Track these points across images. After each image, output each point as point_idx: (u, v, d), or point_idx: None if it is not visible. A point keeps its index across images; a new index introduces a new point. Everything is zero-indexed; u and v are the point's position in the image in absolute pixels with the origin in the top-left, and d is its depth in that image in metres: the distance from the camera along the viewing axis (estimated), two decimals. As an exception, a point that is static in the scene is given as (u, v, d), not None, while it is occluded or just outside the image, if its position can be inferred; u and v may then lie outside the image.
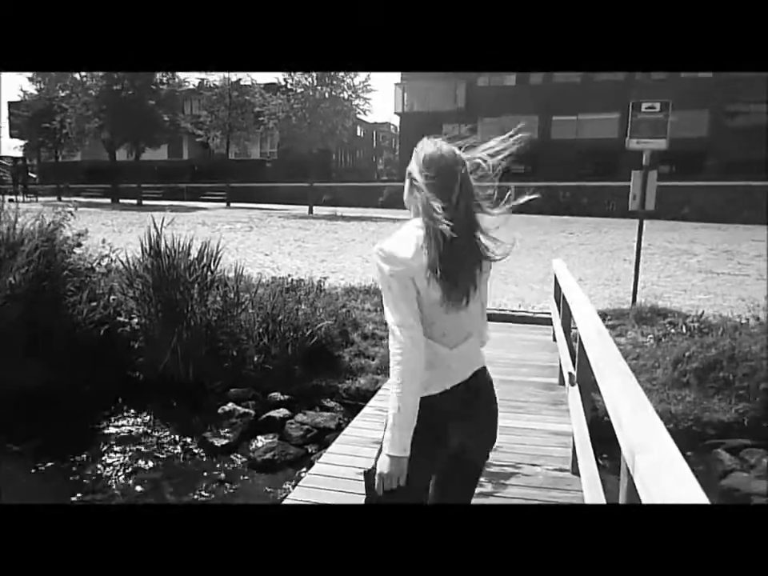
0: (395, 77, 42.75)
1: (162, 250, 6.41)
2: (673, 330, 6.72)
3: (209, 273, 6.62)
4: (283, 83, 27.45)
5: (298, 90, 27.03)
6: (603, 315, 7.15)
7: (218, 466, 4.98)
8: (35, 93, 34.03)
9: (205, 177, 39.44)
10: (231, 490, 4.61)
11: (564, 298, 4.91)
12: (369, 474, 1.67)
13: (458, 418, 1.73)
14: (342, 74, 26.45)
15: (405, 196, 1.79)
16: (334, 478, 3.52)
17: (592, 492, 2.58)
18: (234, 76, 31.31)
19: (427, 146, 1.71)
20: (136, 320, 6.57)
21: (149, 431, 5.56)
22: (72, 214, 7.06)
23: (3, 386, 5.29)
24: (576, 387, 3.46)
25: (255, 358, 6.24)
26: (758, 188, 24.29)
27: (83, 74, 30.40)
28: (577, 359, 3.52)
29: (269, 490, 4.59)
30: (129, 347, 6.46)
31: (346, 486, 3.38)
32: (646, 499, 1.26)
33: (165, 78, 30.37)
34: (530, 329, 7.62)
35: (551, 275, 7.41)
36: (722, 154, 30.80)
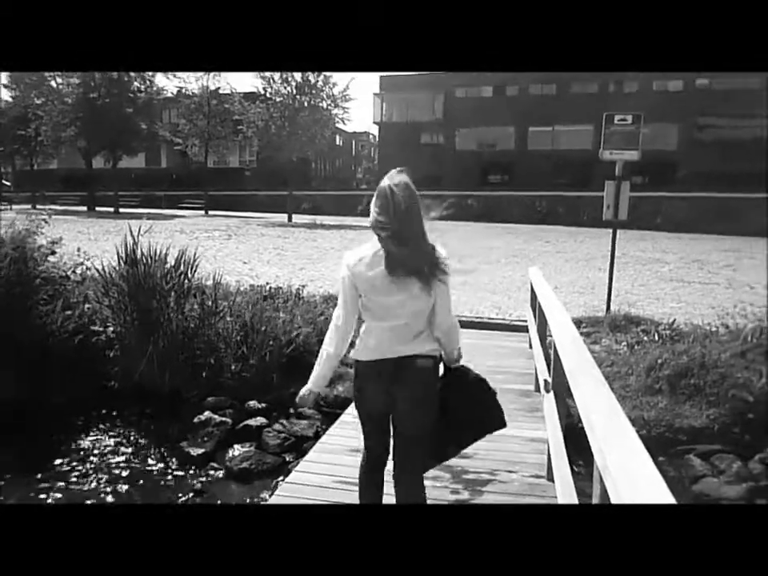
0: (374, 87, 42.97)
1: (139, 257, 6.35)
2: (646, 338, 6.85)
3: (186, 281, 6.57)
4: (262, 92, 27.43)
5: (278, 99, 27.04)
6: (578, 323, 7.26)
7: (194, 474, 4.93)
8: (10, 100, 33.45)
9: (183, 185, 39.13)
10: (208, 500, 4.56)
11: (540, 305, 4.97)
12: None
13: (388, 382, 2.29)
14: (321, 83, 26.55)
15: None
16: (311, 486, 3.51)
17: (566, 498, 2.62)
18: (212, 85, 31.19)
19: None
20: (111, 328, 6.49)
21: (124, 441, 5.48)
22: (46, 222, 6.96)
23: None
24: (551, 394, 3.51)
25: (232, 367, 6.20)
26: (728, 199, 24.92)
27: (59, 81, 30.04)
28: (552, 366, 3.57)
29: (246, 499, 4.56)
30: (104, 356, 6.36)
31: (323, 494, 3.38)
32: (615, 500, 1.29)
33: (142, 86, 30.14)
34: (506, 336, 7.69)
35: (528, 283, 7.50)
36: (693, 166, 31.54)
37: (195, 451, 5.19)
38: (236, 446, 5.29)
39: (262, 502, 4.35)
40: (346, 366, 6.55)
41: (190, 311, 6.47)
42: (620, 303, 8.79)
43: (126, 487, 4.72)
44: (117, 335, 6.42)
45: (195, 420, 5.57)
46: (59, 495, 4.55)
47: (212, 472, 4.99)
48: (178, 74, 31.10)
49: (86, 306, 6.68)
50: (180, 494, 4.62)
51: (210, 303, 6.54)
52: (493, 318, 8.48)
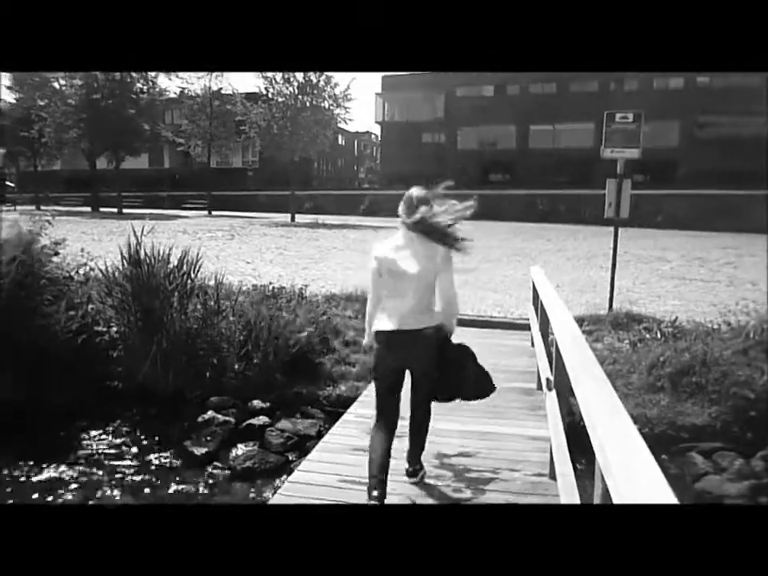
0: (376, 87, 42.95)
1: (142, 258, 6.36)
2: (648, 336, 6.85)
3: (189, 281, 6.58)
4: (264, 92, 27.46)
5: (279, 100, 27.06)
6: (580, 321, 7.26)
7: (197, 474, 4.95)
8: (13, 101, 33.51)
9: (186, 186, 39.18)
10: (211, 499, 4.58)
11: (542, 304, 4.98)
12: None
13: (402, 347, 3.04)
14: (322, 83, 26.57)
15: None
16: (314, 485, 3.52)
17: (568, 496, 2.63)
18: (215, 85, 31.24)
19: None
20: (115, 329, 6.50)
21: (128, 440, 5.50)
22: (50, 223, 6.98)
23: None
24: (553, 392, 3.52)
25: (236, 366, 6.22)
26: (729, 197, 24.88)
27: (62, 82, 30.11)
28: (554, 364, 3.57)
29: (249, 498, 4.57)
30: (107, 356, 6.38)
31: (325, 493, 3.39)
32: (617, 500, 1.30)
33: (145, 87, 30.20)
34: (508, 334, 7.69)
35: (529, 281, 7.50)
36: (694, 164, 31.49)
37: (199, 450, 5.21)
38: (239, 446, 5.30)
39: (264, 502, 4.36)
40: (348, 365, 6.57)
41: (193, 311, 6.48)
42: (622, 301, 8.80)
43: (129, 487, 4.74)
44: (120, 335, 6.43)
45: (198, 419, 5.59)
46: (67, 495, 4.57)
47: (215, 471, 5.01)
48: (181, 74, 31.22)
49: (90, 306, 6.69)
50: (183, 494, 4.63)
51: (212, 303, 6.55)
52: (494, 317, 8.48)
